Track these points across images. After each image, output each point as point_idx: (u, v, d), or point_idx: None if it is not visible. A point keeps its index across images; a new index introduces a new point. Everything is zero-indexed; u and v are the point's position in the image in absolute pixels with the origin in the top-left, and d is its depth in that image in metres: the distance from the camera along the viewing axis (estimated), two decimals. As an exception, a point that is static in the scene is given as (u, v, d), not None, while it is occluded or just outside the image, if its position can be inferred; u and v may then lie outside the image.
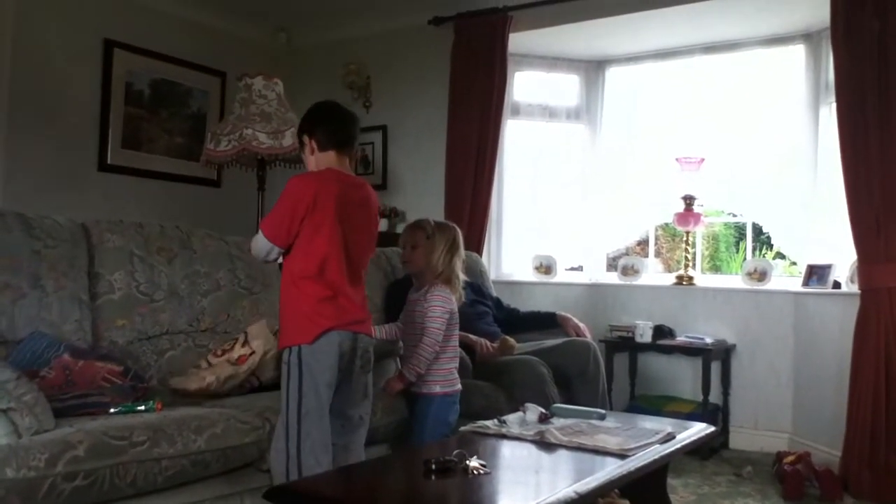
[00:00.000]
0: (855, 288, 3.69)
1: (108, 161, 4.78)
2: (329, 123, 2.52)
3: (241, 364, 2.77)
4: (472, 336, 3.63)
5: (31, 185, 4.36)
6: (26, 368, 2.26)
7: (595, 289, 4.88)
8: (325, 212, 2.34)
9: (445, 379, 2.90)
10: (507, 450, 2.22)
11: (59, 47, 4.55)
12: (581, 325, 3.98)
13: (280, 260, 2.43)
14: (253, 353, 2.80)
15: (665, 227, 6.08)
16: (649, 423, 2.57)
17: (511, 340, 3.66)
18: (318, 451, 2.27)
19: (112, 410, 2.31)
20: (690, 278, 4.60)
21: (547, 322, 4.03)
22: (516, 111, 5.09)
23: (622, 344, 4.44)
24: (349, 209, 2.40)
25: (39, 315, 2.58)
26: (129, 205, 4.70)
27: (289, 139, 4.05)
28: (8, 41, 4.30)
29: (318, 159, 2.49)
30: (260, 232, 2.39)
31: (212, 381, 2.71)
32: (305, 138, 2.51)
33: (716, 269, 7.46)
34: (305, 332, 2.31)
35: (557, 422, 2.42)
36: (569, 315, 4.04)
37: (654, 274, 5.05)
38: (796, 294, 4.23)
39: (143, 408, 2.36)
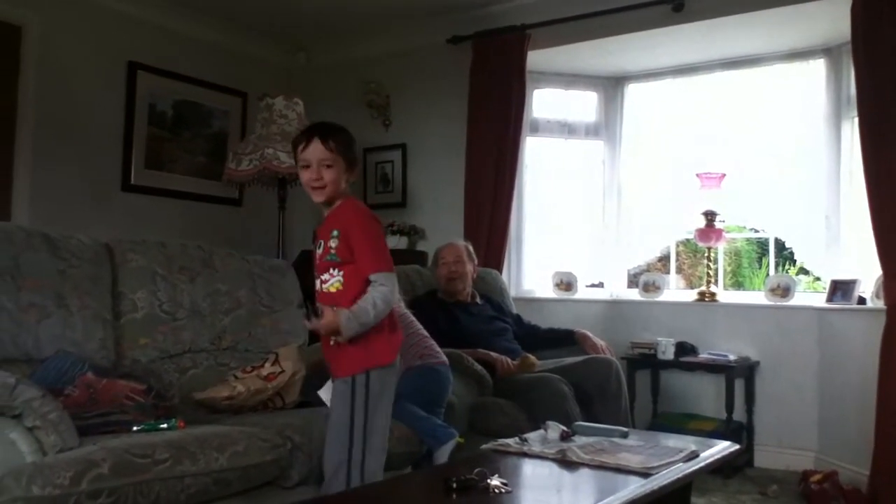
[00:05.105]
0: (880, 303, 3.64)
1: (132, 181, 4.84)
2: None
3: (271, 381, 2.80)
4: (492, 353, 3.63)
5: (56, 205, 4.42)
6: (51, 387, 2.28)
7: (616, 305, 4.86)
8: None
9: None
10: (529, 468, 2.20)
11: (83, 70, 4.63)
12: (600, 342, 3.93)
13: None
14: (283, 371, 2.82)
15: (686, 243, 6.04)
16: (672, 440, 2.54)
17: (532, 358, 3.64)
18: (375, 468, 2.30)
19: (135, 429, 2.32)
20: (713, 294, 4.56)
21: (565, 339, 4.00)
22: (535, 128, 5.10)
23: (644, 361, 4.40)
24: None
25: (64, 334, 2.60)
26: (151, 224, 4.76)
27: (309, 158, 4.09)
28: (33, 63, 4.38)
29: (346, 189, 2.39)
30: (380, 281, 2.24)
31: (242, 390, 2.74)
32: (357, 169, 2.41)
33: (738, 285, 7.39)
34: (383, 353, 2.29)
35: (579, 440, 2.40)
36: (587, 333, 3.99)
37: (675, 290, 5.01)
38: (820, 310, 4.18)
39: (165, 426, 2.37)
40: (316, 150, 2.31)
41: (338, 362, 2.33)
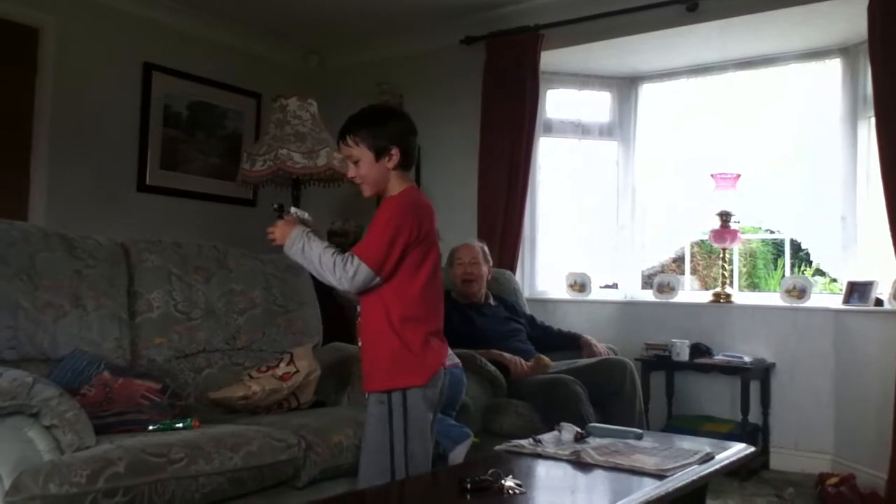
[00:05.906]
0: (898, 305, 3.61)
1: (147, 181, 4.88)
2: (414, 137, 2.26)
3: (286, 381, 2.81)
4: (506, 354, 3.62)
5: (72, 205, 4.45)
6: (67, 386, 2.29)
7: (630, 306, 4.84)
8: (430, 238, 2.18)
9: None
10: (543, 469, 2.19)
11: (99, 71, 4.67)
12: (603, 348, 3.90)
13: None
14: (297, 371, 2.83)
15: (701, 243, 6.01)
16: (687, 443, 2.53)
17: (545, 359, 3.64)
18: None
19: (150, 428, 2.34)
20: (728, 296, 4.53)
21: (571, 343, 3.98)
22: (549, 128, 5.09)
23: (658, 362, 4.38)
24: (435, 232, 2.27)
25: (80, 334, 2.62)
26: (167, 224, 4.79)
27: (323, 159, 4.10)
28: (50, 65, 4.42)
29: (399, 176, 2.22)
30: (353, 260, 2.08)
31: (257, 390, 2.76)
32: (395, 149, 2.18)
33: (753, 286, 7.36)
34: (413, 373, 2.14)
35: (593, 441, 2.39)
36: (591, 340, 3.95)
37: (690, 291, 4.99)
38: (837, 312, 4.15)
39: (180, 425, 2.38)
40: (342, 149, 2.28)
41: (366, 368, 2.22)
